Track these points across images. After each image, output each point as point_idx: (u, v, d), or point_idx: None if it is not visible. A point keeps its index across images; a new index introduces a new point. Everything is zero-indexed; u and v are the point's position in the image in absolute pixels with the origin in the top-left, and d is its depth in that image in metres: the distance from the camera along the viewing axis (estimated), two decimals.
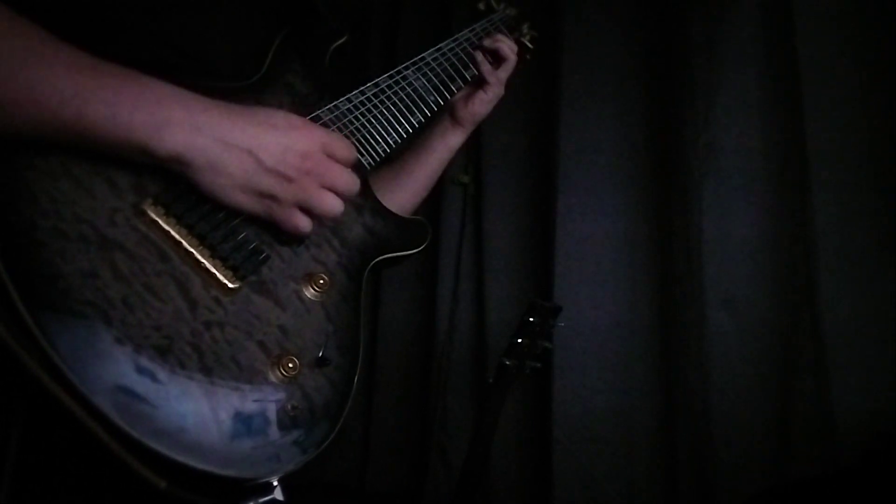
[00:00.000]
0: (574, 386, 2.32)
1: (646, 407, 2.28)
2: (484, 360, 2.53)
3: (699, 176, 2.18)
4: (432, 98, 1.18)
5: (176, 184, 0.81)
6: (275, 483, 0.78)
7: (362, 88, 1.08)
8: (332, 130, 0.99)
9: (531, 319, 1.83)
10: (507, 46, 1.29)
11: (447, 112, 1.30)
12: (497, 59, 1.30)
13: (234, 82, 0.94)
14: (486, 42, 1.29)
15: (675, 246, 2.25)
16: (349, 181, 0.90)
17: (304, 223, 0.87)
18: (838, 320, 1.99)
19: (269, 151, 0.82)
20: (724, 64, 2.18)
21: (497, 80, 1.30)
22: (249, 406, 0.79)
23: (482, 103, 1.30)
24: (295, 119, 0.88)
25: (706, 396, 2.11)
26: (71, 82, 0.73)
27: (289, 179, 0.84)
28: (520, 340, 1.83)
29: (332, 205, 0.88)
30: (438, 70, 1.21)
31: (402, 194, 1.26)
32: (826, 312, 1.99)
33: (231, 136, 0.80)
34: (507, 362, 1.82)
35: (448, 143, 1.31)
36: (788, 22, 2.09)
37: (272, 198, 0.84)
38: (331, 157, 0.88)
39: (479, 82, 1.29)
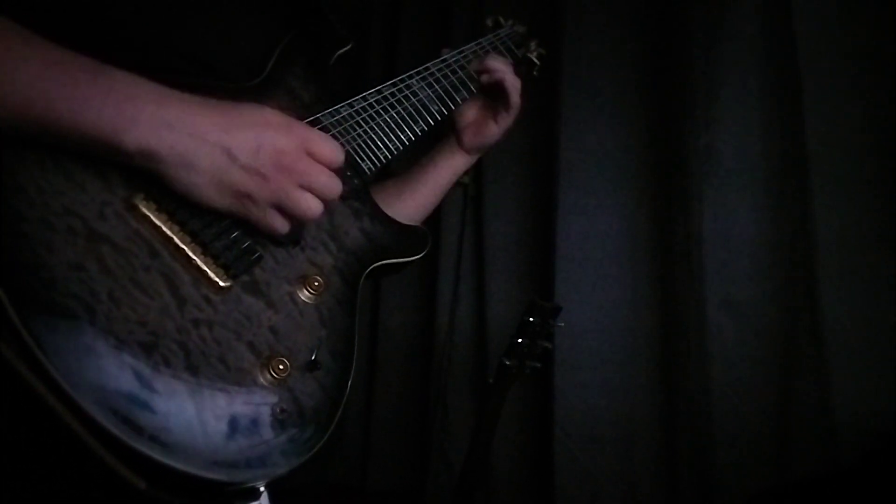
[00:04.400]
0: (574, 386, 2.32)
1: (646, 406, 2.28)
2: (484, 360, 2.54)
3: (699, 176, 2.18)
4: (436, 108, 1.16)
5: None
6: (261, 489, 0.76)
7: (364, 94, 1.07)
8: (323, 131, 0.95)
9: (531, 319, 1.84)
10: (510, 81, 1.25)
11: (454, 137, 1.29)
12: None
13: (237, 84, 0.92)
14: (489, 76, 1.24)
15: (675, 246, 2.25)
16: (329, 183, 0.85)
17: (279, 224, 0.83)
18: (838, 320, 1.99)
19: (244, 147, 0.79)
20: (724, 64, 2.18)
21: (515, 114, 1.28)
22: (236, 408, 0.76)
23: (493, 135, 1.28)
24: (274, 116, 0.83)
25: (706, 396, 2.11)
26: (39, 79, 0.71)
27: (264, 177, 0.80)
28: (520, 340, 1.83)
29: (310, 206, 0.83)
30: (444, 82, 1.19)
31: (405, 208, 1.23)
32: (826, 313, 1.99)
33: (203, 132, 0.77)
34: (508, 362, 1.83)
35: (454, 166, 1.29)
36: (788, 22, 2.09)
37: (247, 196, 0.80)
38: (312, 156, 0.84)
39: (494, 113, 1.27)
